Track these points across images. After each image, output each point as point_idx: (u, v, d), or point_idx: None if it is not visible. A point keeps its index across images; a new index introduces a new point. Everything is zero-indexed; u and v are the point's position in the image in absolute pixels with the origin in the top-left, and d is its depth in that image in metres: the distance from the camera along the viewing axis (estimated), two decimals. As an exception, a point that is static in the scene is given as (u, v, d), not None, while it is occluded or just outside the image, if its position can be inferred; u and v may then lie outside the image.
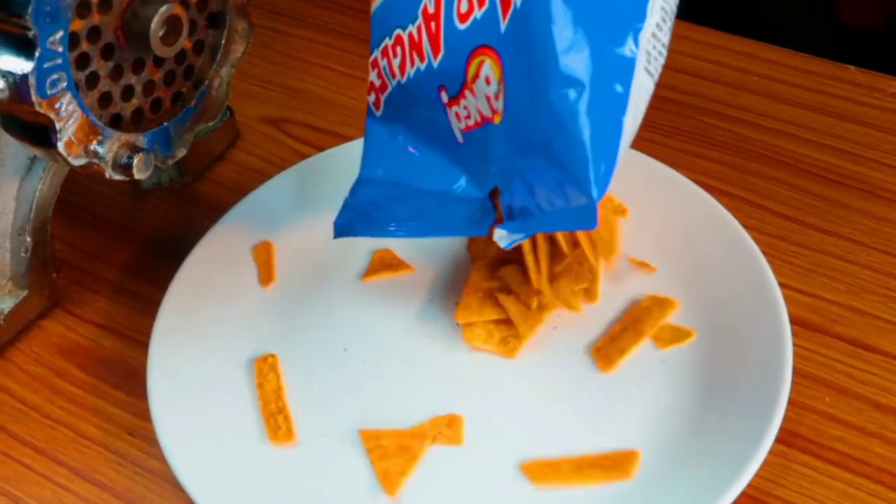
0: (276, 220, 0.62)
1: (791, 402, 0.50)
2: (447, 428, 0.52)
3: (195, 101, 0.54)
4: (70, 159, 0.48)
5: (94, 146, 0.49)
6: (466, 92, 0.50)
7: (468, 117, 0.51)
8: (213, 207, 0.63)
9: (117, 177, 0.50)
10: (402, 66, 0.52)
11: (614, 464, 0.49)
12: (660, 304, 0.55)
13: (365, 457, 0.51)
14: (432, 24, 0.50)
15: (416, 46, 0.51)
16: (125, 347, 0.58)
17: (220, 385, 0.54)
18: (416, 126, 0.54)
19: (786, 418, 0.49)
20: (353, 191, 0.55)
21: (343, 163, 0.60)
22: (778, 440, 0.48)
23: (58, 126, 0.47)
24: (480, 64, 0.48)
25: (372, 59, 0.54)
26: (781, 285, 0.54)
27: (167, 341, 0.55)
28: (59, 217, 0.59)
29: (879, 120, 0.67)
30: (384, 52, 0.53)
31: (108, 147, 0.50)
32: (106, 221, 0.66)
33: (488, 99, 0.49)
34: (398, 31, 0.52)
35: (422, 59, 0.51)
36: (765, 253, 0.56)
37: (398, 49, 0.52)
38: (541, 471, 0.49)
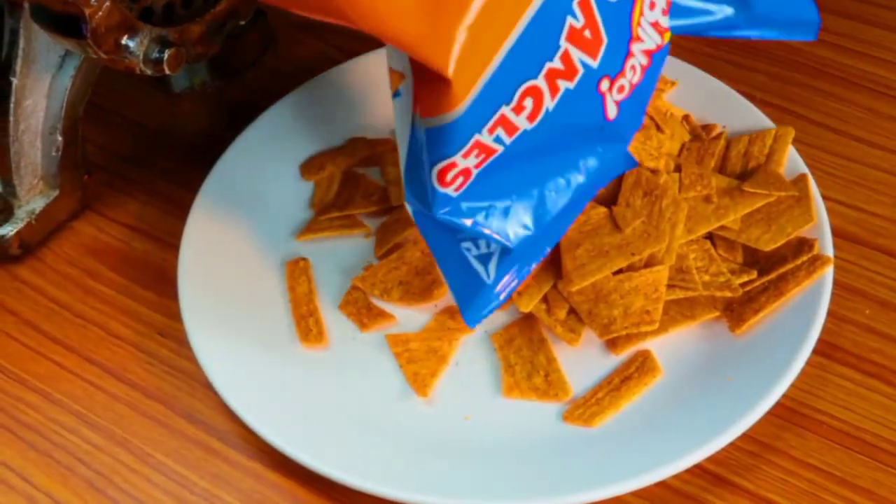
0: (308, 125, 0.61)
1: (830, 314, 0.49)
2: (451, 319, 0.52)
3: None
4: (100, 52, 0.47)
5: (124, 40, 0.48)
6: (633, 47, 0.48)
7: (633, 71, 0.49)
8: (245, 112, 0.62)
9: (148, 72, 0.50)
10: (533, 114, 0.46)
11: (638, 368, 0.49)
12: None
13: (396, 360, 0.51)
14: (586, 32, 0.45)
15: (562, 74, 0.45)
16: (156, 249, 0.58)
17: (250, 287, 0.54)
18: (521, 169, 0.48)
19: (825, 330, 0.48)
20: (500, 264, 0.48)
21: (377, 67, 0.58)
22: (816, 351, 0.48)
23: (87, 16, 0.46)
24: None
25: (461, 152, 0.45)
26: (824, 197, 0.53)
27: (198, 243, 0.55)
28: (92, 121, 0.59)
29: (931, 33, 0.65)
30: (494, 126, 0.45)
31: (139, 41, 0.49)
32: (138, 125, 0.65)
33: (655, 25, 0.49)
34: (528, 84, 0.45)
35: (570, 79, 0.46)
36: (808, 165, 0.54)
37: (527, 101, 0.45)
38: (587, 414, 0.48)
